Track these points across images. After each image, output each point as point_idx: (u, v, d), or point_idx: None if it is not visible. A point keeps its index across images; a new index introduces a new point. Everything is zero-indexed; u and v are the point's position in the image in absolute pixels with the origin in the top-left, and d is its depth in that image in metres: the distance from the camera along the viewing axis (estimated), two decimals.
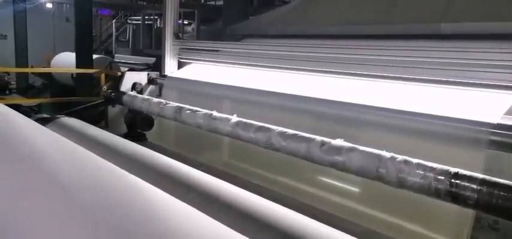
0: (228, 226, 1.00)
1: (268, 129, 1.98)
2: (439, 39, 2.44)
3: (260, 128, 2.02)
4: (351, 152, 1.59)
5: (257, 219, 1.46)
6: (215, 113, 2.30)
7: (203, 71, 3.41)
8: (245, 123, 2.10)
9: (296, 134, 1.84)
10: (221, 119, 2.23)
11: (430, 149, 1.79)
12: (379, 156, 1.52)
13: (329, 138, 1.74)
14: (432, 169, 1.40)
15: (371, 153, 1.55)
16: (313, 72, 2.72)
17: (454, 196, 1.34)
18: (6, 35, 14.78)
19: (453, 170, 1.37)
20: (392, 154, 1.50)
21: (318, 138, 1.75)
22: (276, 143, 1.92)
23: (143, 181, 1.13)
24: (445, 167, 1.39)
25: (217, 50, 3.36)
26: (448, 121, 1.80)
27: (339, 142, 1.66)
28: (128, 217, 0.87)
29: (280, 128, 1.94)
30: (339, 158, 1.62)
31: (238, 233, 0.93)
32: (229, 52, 3.23)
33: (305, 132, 1.88)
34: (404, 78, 2.17)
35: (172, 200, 1.03)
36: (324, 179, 2.42)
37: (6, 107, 2.16)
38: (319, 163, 1.75)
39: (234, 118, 2.17)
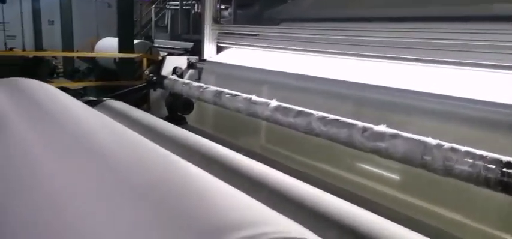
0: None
1: (308, 114, 1.97)
2: (493, 22, 2.30)
3: (300, 113, 2.01)
4: (394, 139, 1.55)
5: (296, 202, 1.47)
6: (254, 98, 2.31)
7: (241, 55, 3.43)
8: (284, 107, 2.10)
9: (337, 119, 1.82)
10: (260, 103, 2.24)
11: (479, 137, 1.71)
12: (424, 143, 1.48)
13: (371, 124, 1.72)
14: (482, 157, 1.35)
15: (416, 139, 1.50)
16: (355, 56, 2.67)
17: (506, 186, 1.28)
18: (53, 21, 15.54)
19: (505, 158, 1.31)
20: (438, 141, 1.45)
21: (360, 123, 1.73)
22: (316, 128, 1.91)
23: (189, 162, 1.17)
24: (496, 156, 1.34)
25: (255, 35, 3.36)
26: (500, 107, 1.71)
27: (381, 128, 1.62)
28: (174, 195, 0.90)
29: (320, 113, 1.93)
30: (381, 145, 1.59)
31: (282, 215, 0.94)
32: (268, 36, 3.22)
33: (346, 117, 1.86)
34: (454, 62, 2.08)
35: (216, 181, 1.06)
36: (362, 165, 2.39)
37: (58, 89, 2.28)
38: (361, 149, 1.73)
39: (273, 102, 2.17)
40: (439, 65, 2.16)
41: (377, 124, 1.68)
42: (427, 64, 2.24)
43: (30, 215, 0.97)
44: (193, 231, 0.72)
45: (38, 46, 12.96)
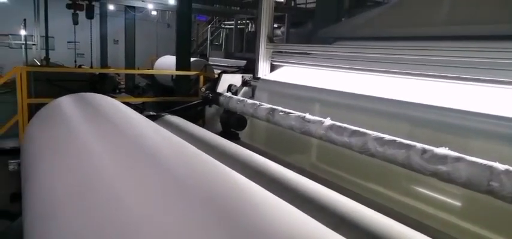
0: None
1: (364, 133, 1.94)
2: None
3: (355, 133, 1.98)
4: (457, 162, 1.48)
5: (349, 221, 1.44)
6: (308, 116, 2.32)
7: (294, 73, 3.45)
8: (339, 126, 2.08)
9: (394, 140, 1.77)
10: (314, 121, 2.23)
11: None
12: (490, 168, 1.39)
13: (429, 146, 1.65)
14: None
15: (481, 164, 1.42)
16: (411, 75, 2.58)
17: None
18: (118, 41, 16.69)
19: None
20: (507, 167, 1.36)
21: (419, 145, 1.67)
22: (372, 149, 1.87)
23: (244, 177, 1.19)
24: None
25: (309, 53, 3.37)
26: None
27: (443, 150, 1.55)
28: (232, 209, 0.93)
29: (376, 133, 1.89)
30: (442, 168, 1.52)
31: (337, 234, 0.93)
32: (322, 55, 3.22)
33: (402, 138, 1.80)
34: None
35: (271, 196, 1.07)
36: (418, 188, 2.29)
37: (123, 104, 2.44)
38: (419, 171, 1.66)
39: (328, 121, 2.16)
40: (506, 86, 2.03)
41: (434, 146, 1.62)
42: (491, 85, 2.11)
43: (97, 220, 1.04)
44: None
45: (104, 63, 13.95)
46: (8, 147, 3.02)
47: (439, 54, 2.43)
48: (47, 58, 13.07)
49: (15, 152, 2.75)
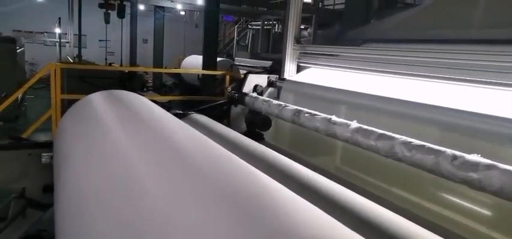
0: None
1: (391, 137, 1.90)
2: None
3: (381, 136, 1.95)
4: (489, 170, 1.43)
5: (374, 225, 1.42)
6: (334, 118, 2.30)
7: (321, 75, 3.43)
8: (365, 129, 2.05)
9: (423, 145, 1.73)
10: (340, 124, 2.21)
11: None
12: None
13: (461, 152, 1.60)
14: None
15: None
16: (442, 79, 2.51)
17: None
18: (147, 40, 17.07)
19: None
20: None
21: (449, 151, 1.62)
22: (399, 153, 1.83)
23: (270, 177, 1.20)
24: None
25: (336, 55, 3.34)
26: None
27: (475, 157, 1.50)
28: (257, 207, 0.93)
29: (404, 137, 1.85)
30: (473, 176, 1.47)
31: (361, 237, 0.92)
32: (350, 57, 3.18)
33: (431, 143, 1.76)
34: None
35: (296, 197, 1.07)
36: (446, 195, 2.22)
37: (152, 102, 2.49)
38: (448, 178, 1.61)
39: (354, 124, 2.13)
40: None
41: (464, 152, 1.57)
42: None
43: (125, 214, 1.07)
44: None
45: (133, 62, 14.31)
46: (41, 140, 3.14)
47: (474, 58, 2.35)
48: (79, 56, 13.54)
49: (48, 146, 2.85)
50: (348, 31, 4.33)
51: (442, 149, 1.64)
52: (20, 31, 16.56)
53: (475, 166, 1.48)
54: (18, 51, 9.38)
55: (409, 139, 1.80)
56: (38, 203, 2.95)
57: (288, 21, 3.56)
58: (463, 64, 2.41)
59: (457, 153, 1.58)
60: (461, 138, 2.22)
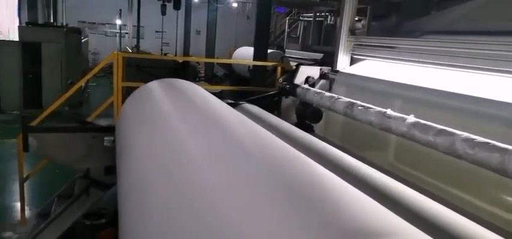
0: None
1: (452, 133, 1.81)
2: None
3: (441, 132, 1.86)
4: None
5: (432, 224, 1.36)
6: (389, 111, 2.23)
7: (375, 67, 3.32)
8: (423, 124, 1.97)
9: (487, 142, 1.63)
10: (396, 118, 2.14)
11: None
12: None
13: None
14: None
15: None
16: (509, 73, 2.34)
17: None
18: (200, 31, 17.51)
19: None
20: None
21: None
22: (460, 150, 1.74)
23: (323, 168, 1.19)
24: None
25: (393, 47, 3.22)
26: None
27: None
28: (317, 198, 0.93)
29: (466, 134, 1.75)
30: None
31: (417, 228, 0.89)
32: (408, 49, 3.05)
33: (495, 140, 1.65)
34: None
35: (350, 187, 1.06)
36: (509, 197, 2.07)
37: (205, 91, 2.56)
38: None
39: (411, 118, 2.06)
40: None
41: None
42: None
43: (182, 194, 1.12)
44: (334, 233, 0.74)
45: (186, 52, 14.77)
46: (104, 125, 3.35)
47: None
48: (137, 46, 14.21)
49: (110, 130, 3.03)
50: (406, 22, 4.14)
51: (509, 147, 1.54)
52: (84, 22, 17.67)
53: None
54: (82, 41, 10.01)
55: (472, 136, 1.71)
56: (100, 183, 3.15)
57: (343, 12, 3.49)
58: None
59: None
60: None
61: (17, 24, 11.29)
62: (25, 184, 3.78)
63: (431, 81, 2.72)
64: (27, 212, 3.91)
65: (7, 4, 11.78)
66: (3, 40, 9.70)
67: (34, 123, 3.82)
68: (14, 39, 9.52)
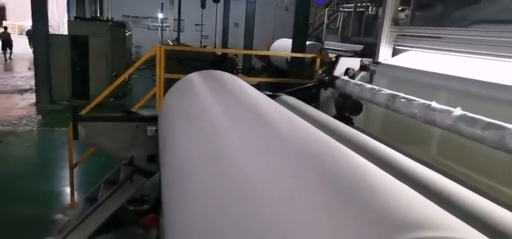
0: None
1: (501, 127, 1.72)
2: None
3: (490, 125, 1.78)
4: None
5: (480, 220, 1.31)
6: (434, 104, 2.15)
7: (420, 58, 3.21)
8: (471, 117, 1.89)
9: None
10: (441, 110, 2.06)
11: None
12: None
13: None
14: None
15: None
16: None
17: None
18: (238, 24, 17.62)
19: None
20: None
21: None
22: (510, 145, 1.66)
23: (367, 161, 1.18)
24: None
25: (439, 37, 3.09)
26: None
27: None
28: (354, 189, 0.92)
29: None
30: None
31: (464, 223, 0.87)
32: (456, 39, 2.92)
33: None
34: None
35: (395, 181, 1.04)
36: None
37: (243, 82, 2.59)
38: None
39: (458, 111, 1.97)
40: None
41: None
42: None
43: (222, 183, 1.14)
44: (380, 225, 0.74)
45: (224, 45, 14.92)
46: (147, 115, 3.47)
47: None
48: (178, 39, 14.55)
49: (153, 120, 3.14)
50: (453, 11, 3.96)
51: None
52: (128, 16, 18.29)
53: None
54: (126, 35, 10.36)
55: None
56: (144, 170, 3.28)
57: (386, 1, 3.38)
58: None
59: None
60: None
61: (66, 19, 11.88)
62: (74, 170, 4.01)
63: (479, 72, 2.59)
64: (76, 197, 4.15)
65: (57, 0, 12.43)
66: (54, 34, 10.24)
67: (82, 113, 4.02)
68: (64, 34, 10.03)
